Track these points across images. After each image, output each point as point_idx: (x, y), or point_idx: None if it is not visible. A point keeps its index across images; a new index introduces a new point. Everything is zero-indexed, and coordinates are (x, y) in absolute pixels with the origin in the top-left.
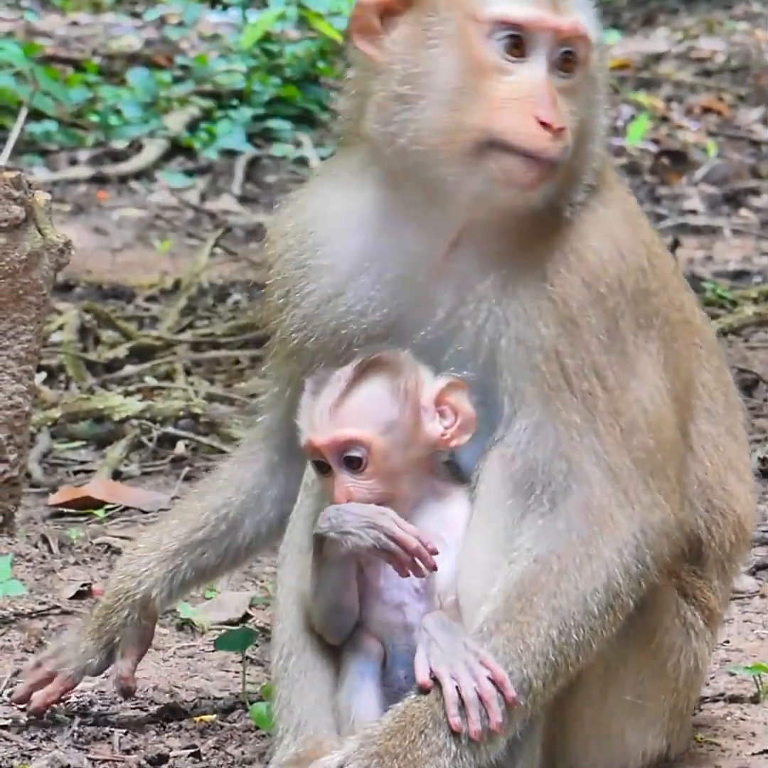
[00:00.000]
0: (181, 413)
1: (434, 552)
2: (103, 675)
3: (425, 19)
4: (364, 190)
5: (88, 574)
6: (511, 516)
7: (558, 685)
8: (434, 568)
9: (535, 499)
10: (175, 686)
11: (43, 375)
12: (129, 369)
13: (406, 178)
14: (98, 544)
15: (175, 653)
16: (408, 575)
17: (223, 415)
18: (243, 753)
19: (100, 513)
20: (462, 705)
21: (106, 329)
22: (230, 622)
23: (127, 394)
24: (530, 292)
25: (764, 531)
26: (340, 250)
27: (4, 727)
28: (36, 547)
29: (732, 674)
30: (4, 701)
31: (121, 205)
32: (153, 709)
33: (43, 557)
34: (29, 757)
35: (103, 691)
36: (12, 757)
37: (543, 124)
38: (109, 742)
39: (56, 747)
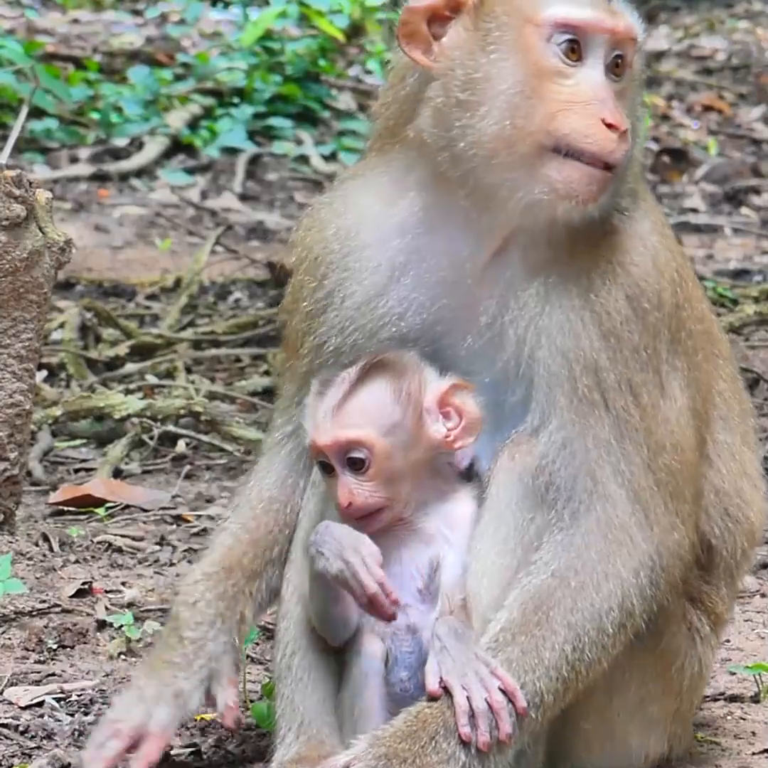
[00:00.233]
0: (182, 411)
1: (395, 603)
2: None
3: (482, 24)
4: (406, 194)
5: (88, 573)
6: (523, 518)
7: (567, 700)
8: (392, 619)
9: (556, 514)
10: None
11: (44, 373)
12: (130, 367)
13: (459, 183)
14: (99, 543)
15: None
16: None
17: (224, 413)
18: (243, 751)
19: (100, 511)
20: (472, 715)
21: (107, 327)
22: None
23: (127, 392)
24: (573, 303)
25: (765, 530)
26: (384, 253)
27: (4, 726)
28: (36, 545)
29: (732, 673)
30: (4, 699)
31: (122, 202)
32: None
33: (44, 555)
34: (29, 756)
35: (103, 690)
36: (12, 756)
37: (609, 126)
38: None
39: (56, 746)
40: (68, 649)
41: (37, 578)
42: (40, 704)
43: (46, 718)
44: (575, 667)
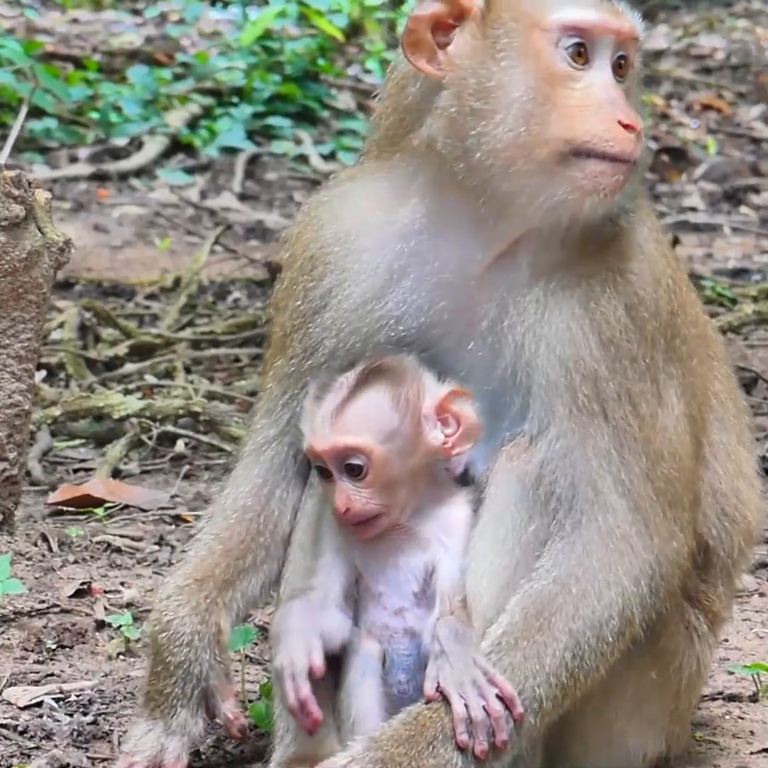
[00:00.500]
0: (181, 411)
1: (315, 722)
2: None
3: (490, 31)
4: (409, 201)
5: (87, 573)
6: (521, 518)
7: (565, 707)
8: (309, 732)
9: (557, 523)
10: None
11: (43, 373)
12: (129, 367)
13: (477, 191)
14: (98, 543)
15: None
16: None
17: (222, 413)
18: (242, 752)
19: (99, 511)
20: (470, 722)
21: (106, 327)
22: None
23: (127, 392)
24: (574, 311)
25: (765, 529)
26: (384, 256)
27: (3, 726)
28: (35, 545)
29: (731, 673)
30: (3, 699)
31: (121, 202)
32: None
33: (43, 556)
34: (28, 756)
35: (102, 690)
36: (11, 756)
37: (625, 126)
38: (109, 741)
39: (55, 746)
40: (67, 649)
41: (36, 578)
42: (39, 704)
43: (44, 718)
44: (574, 674)
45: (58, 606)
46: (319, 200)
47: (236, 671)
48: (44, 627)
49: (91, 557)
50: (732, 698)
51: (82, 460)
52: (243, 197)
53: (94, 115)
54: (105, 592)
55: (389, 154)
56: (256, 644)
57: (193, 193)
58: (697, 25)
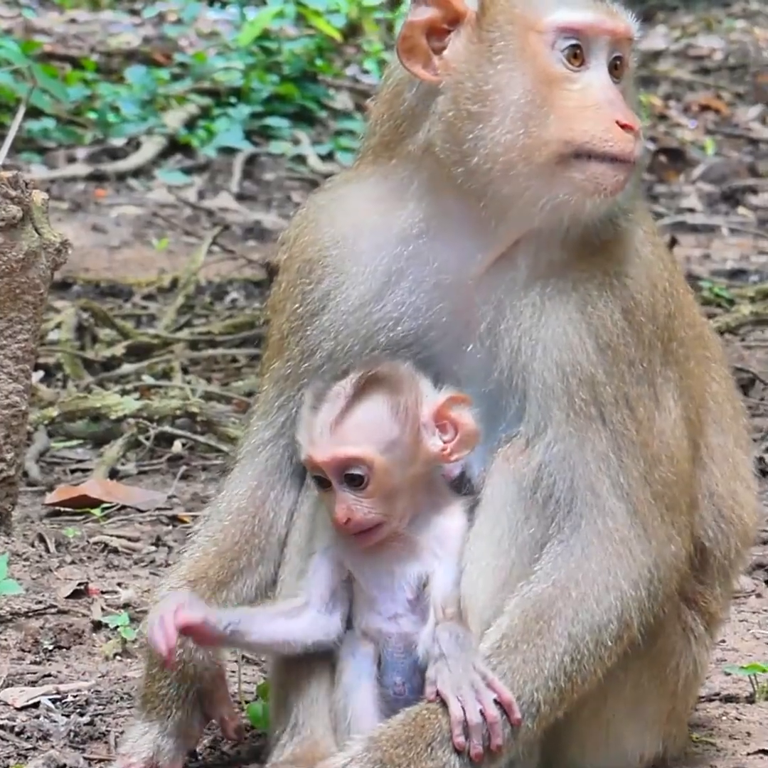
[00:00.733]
0: (178, 412)
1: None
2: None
3: (486, 35)
4: (406, 205)
5: (84, 573)
6: (517, 519)
7: (562, 710)
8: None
9: (556, 526)
10: None
11: (41, 373)
12: (126, 367)
13: (476, 195)
14: (95, 543)
15: None
16: None
17: (220, 413)
18: (239, 752)
19: (96, 512)
20: (467, 725)
21: (104, 327)
22: None
23: (124, 392)
24: (570, 316)
25: (761, 530)
26: (382, 259)
27: (0, 727)
28: (32, 546)
29: (727, 674)
30: (0, 700)
31: (119, 202)
32: None
33: (40, 556)
34: (25, 757)
35: (99, 691)
36: (8, 757)
37: (623, 126)
38: (106, 742)
39: (52, 747)
40: (64, 650)
41: (33, 579)
42: (36, 705)
43: (41, 719)
44: (572, 678)
45: (54, 606)
46: (316, 203)
47: (233, 672)
48: (41, 628)
49: (88, 558)
50: (729, 699)
51: (80, 461)
52: (241, 197)
53: (92, 116)
54: (102, 592)
55: (385, 159)
56: None
57: (190, 194)
58: (695, 25)
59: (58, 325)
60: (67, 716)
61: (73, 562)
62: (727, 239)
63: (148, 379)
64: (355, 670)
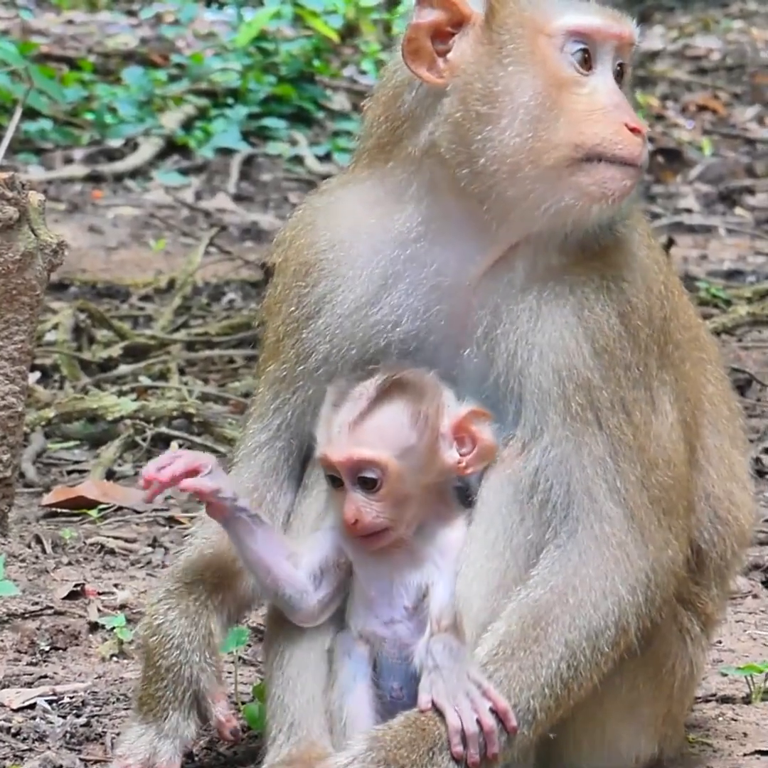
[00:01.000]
0: (175, 413)
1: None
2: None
3: (496, 37)
4: (404, 207)
5: (81, 575)
6: (513, 521)
7: (557, 717)
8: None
9: (553, 531)
10: None
11: (38, 374)
12: (123, 368)
13: (480, 197)
14: (92, 545)
15: None
16: None
17: (217, 414)
18: (235, 753)
19: (93, 513)
20: (463, 734)
21: (101, 328)
22: None
23: (121, 393)
24: (567, 320)
25: (757, 531)
26: (379, 262)
27: None
28: (29, 547)
29: (724, 675)
30: None
31: (116, 203)
32: None
33: (37, 557)
34: (21, 758)
35: (95, 692)
36: (4, 758)
37: (631, 129)
38: (102, 743)
39: (48, 748)
40: (60, 651)
41: (29, 580)
42: (32, 706)
43: (38, 720)
44: (569, 685)
45: (51, 608)
46: (313, 206)
47: (229, 673)
48: (37, 629)
49: (85, 559)
50: (725, 700)
51: (76, 462)
52: (238, 198)
53: (89, 117)
54: (98, 593)
55: (381, 162)
56: (249, 646)
57: (188, 195)
58: (692, 26)
59: (55, 326)
60: (64, 717)
61: (69, 563)
62: (724, 240)
63: (144, 380)
64: (350, 671)
